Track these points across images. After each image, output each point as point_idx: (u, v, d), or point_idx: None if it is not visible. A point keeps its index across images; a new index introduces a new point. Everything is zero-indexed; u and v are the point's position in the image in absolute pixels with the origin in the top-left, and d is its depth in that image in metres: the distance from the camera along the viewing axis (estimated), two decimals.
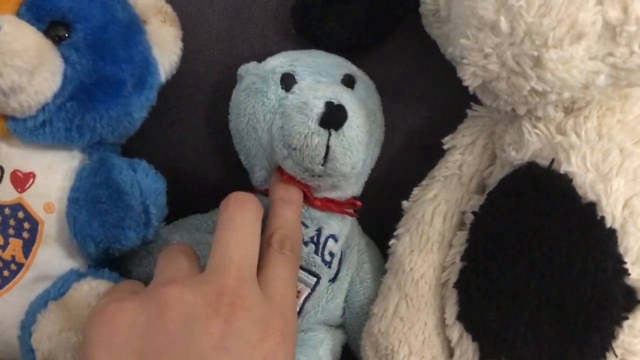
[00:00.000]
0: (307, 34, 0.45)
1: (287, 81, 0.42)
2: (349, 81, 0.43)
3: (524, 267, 0.36)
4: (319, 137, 0.38)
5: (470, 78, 0.35)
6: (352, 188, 0.44)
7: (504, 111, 0.39)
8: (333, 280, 0.44)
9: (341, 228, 0.44)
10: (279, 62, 0.43)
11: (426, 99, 0.47)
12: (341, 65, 0.43)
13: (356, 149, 0.39)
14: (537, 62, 0.33)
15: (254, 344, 0.31)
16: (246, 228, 0.35)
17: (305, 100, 0.39)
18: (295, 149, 0.39)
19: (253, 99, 0.42)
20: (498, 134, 0.41)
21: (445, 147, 0.43)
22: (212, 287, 0.32)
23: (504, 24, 0.33)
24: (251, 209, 0.36)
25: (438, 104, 0.47)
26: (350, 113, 0.38)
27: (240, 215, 0.35)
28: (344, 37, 0.44)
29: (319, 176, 0.40)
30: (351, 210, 0.44)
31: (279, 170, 0.42)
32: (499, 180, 0.39)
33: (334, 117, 0.38)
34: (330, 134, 0.38)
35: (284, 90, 0.42)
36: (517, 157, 0.38)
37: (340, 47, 0.45)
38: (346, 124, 0.38)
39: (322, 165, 0.39)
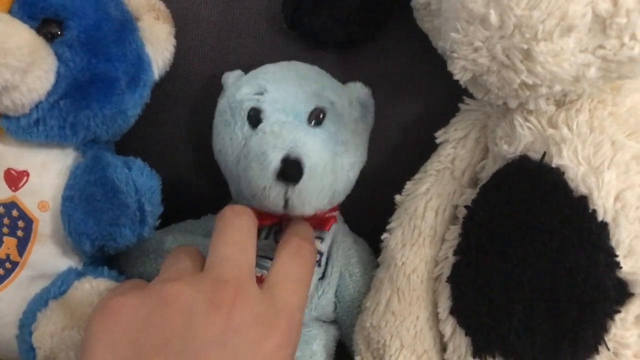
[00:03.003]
0: (299, 29, 0.45)
1: (254, 117, 0.42)
2: (317, 116, 0.42)
3: (517, 261, 0.36)
4: (276, 191, 0.39)
5: (460, 72, 0.35)
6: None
7: (495, 105, 0.39)
8: (322, 277, 0.44)
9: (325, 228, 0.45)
10: (248, 92, 0.43)
11: (419, 93, 0.47)
12: (312, 95, 0.42)
13: (315, 198, 0.40)
14: (527, 55, 0.33)
15: (254, 342, 0.31)
16: (243, 232, 0.35)
17: (265, 150, 0.39)
18: (254, 196, 0.40)
19: (224, 130, 0.43)
20: (490, 127, 0.41)
21: (437, 141, 0.43)
22: (212, 284, 0.32)
23: (493, 17, 0.33)
24: (247, 218, 0.36)
25: (431, 98, 0.47)
26: (308, 165, 0.39)
27: (236, 222, 0.35)
28: (335, 32, 0.44)
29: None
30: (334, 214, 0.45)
31: None
32: (492, 174, 0.39)
33: (289, 173, 0.38)
34: (287, 188, 0.39)
35: (249, 127, 0.42)
36: (509, 150, 0.38)
37: (331, 42, 0.45)
38: (303, 178, 0.39)
39: (284, 210, 0.40)
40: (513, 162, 0.38)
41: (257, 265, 0.39)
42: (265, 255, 0.42)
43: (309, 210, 0.40)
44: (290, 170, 0.38)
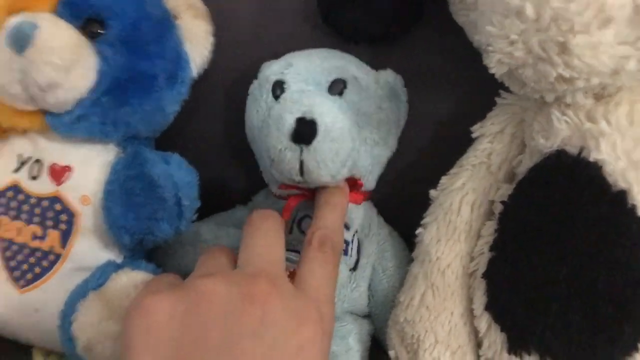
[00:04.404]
0: (333, 25, 0.45)
1: (277, 89, 0.43)
2: (338, 87, 0.43)
3: (553, 257, 0.36)
4: (291, 152, 0.40)
5: (496, 65, 0.35)
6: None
7: (532, 99, 0.39)
8: (354, 268, 0.45)
9: (351, 217, 0.45)
10: (276, 68, 0.45)
11: (455, 87, 0.47)
12: (335, 68, 0.43)
13: (331, 160, 0.40)
14: (564, 48, 0.32)
15: (290, 332, 0.31)
16: (271, 232, 0.36)
17: (281, 113, 0.40)
18: (273, 160, 0.41)
19: (251, 105, 0.45)
20: (527, 121, 0.40)
21: (474, 135, 0.43)
22: (246, 279, 0.32)
23: (529, 10, 0.32)
24: (274, 220, 0.37)
25: (467, 92, 0.47)
26: (322, 127, 0.39)
27: (264, 224, 0.36)
28: (369, 27, 0.44)
29: (305, 182, 0.41)
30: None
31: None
32: (528, 168, 0.39)
33: (303, 133, 0.39)
34: (302, 149, 0.39)
35: (273, 99, 0.43)
36: (546, 145, 0.37)
37: (366, 38, 0.45)
38: (317, 139, 0.39)
39: (301, 176, 0.40)
40: (550, 156, 0.37)
41: (287, 259, 0.39)
42: (293, 249, 0.43)
43: (325, 174, 0.40)
44: (303, 129, 0.39)
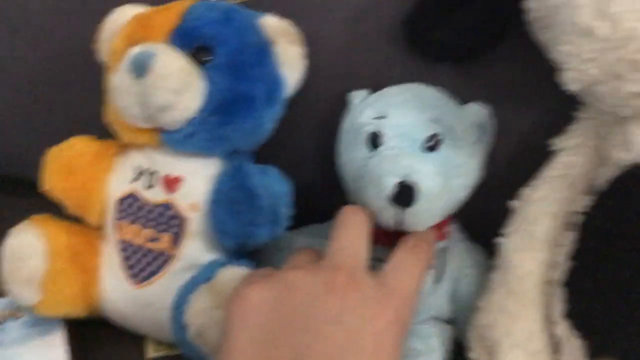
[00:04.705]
0: (419, 45, 0.47)
1: (373, 141, 0.44)
2: (434, 142, 0.44)
3: (635, 267, 0.36)
4: (389, 212, 0.41)
5: (571, 83, 0.36)
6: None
7: (610, 113, 0.40)
8: (438, 280, 0.47)
9: None
10: (370, 115, 0.45)
11: (536, 101, 0.48)
12: (430, 121, 0.44)
13: (427, 219, 0.42)
14: (637, 66, 0.33)
15: (366, 320, 0.34)
16: (357, 228, 0.39)
17: (381, 174, 0.41)
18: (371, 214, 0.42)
19: (346, 149, 0.47)
20: (605, 135, 0.41)
21: (554, 148, 0.44)
22: (329, 271, 0.36)
23: (602, 30, 0.33)
24: (362, 216, 0.40)
25: (548, 106, 0.47)
26: (421, 191, 0.41)
27: (351, 220, 0.40)
28: (455, 47, 0.46)
29: None
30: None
31: None
32: (608, 181, 0.39)
33: (403, 197, 0.41)
34: (400, 210, 0.41)
35: (369, 149, 0.44)
36: (625, 158, 0.38)
37: (451, 56, 0.47)
38: (416, 202, 0.41)
39: (397, 227, 0.42)
40: (630, 169, 0.38)
41: (374, 267, 0.42)
42: (380, 258, 0.45)
43: (421, 228, 0.43)
44: (404, 196, 0.41)
